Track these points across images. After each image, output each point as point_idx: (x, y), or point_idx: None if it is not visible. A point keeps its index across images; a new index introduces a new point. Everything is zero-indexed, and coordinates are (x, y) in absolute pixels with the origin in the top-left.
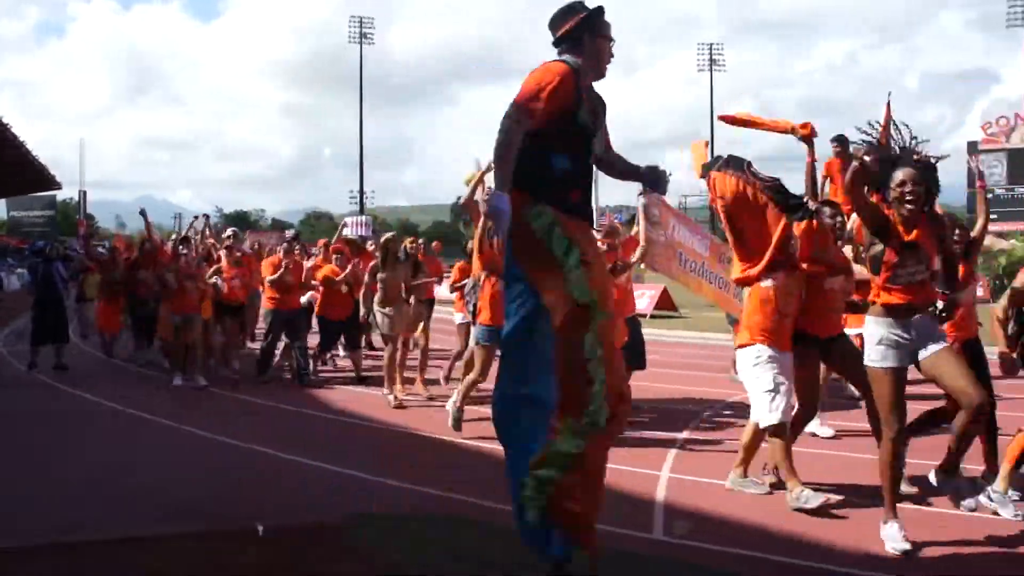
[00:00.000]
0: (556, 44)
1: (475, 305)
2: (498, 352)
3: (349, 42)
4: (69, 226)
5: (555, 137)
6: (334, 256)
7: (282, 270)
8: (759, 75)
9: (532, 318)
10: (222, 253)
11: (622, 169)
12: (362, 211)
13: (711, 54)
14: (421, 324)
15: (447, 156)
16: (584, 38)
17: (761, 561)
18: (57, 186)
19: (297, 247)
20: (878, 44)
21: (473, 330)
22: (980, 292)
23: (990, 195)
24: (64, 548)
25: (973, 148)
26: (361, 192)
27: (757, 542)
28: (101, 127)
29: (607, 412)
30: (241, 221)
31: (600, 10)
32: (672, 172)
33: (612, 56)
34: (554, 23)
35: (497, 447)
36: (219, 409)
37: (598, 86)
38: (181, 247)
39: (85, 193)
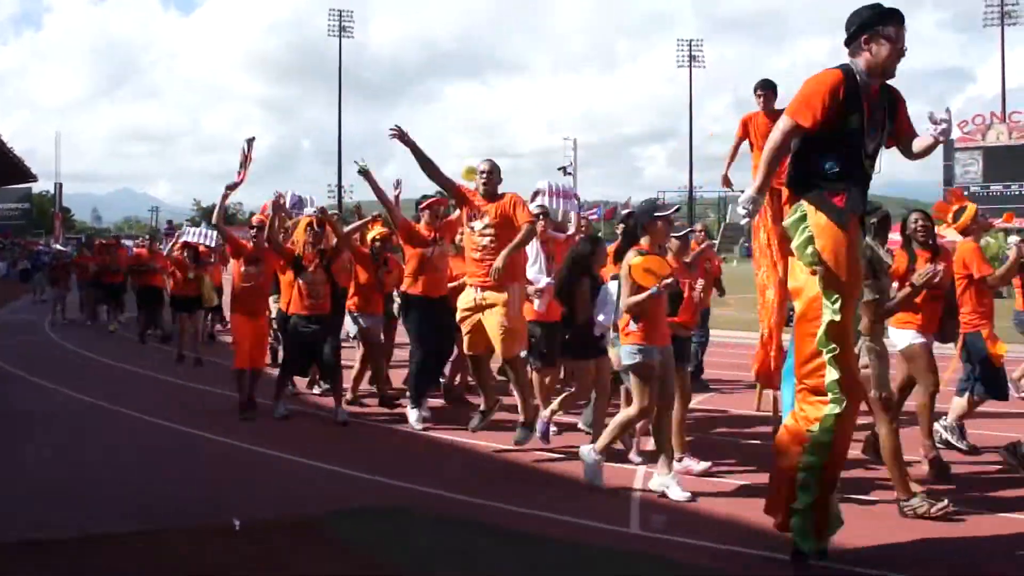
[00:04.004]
0: (846, 46)
1: None
2: None
3: (328, 35)
4: (45, 219)
5: (822, 142)
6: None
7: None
8: (737, 71)
9: None
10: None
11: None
12: (340, 206)
13: (691, 50)
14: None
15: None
16: (861, 40)
17: (737, 555)
18: (32, 178)
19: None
20: None
21: None
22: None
23: (966, 192)
24: (37, 546)
25: (949, 146)
26: (340, 186)
27: (733, 536)
28: (78, 119)
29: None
30: None
31: (875, 11)
32: (648, 167)
33: (901, 54)
34: (846, 27)
35: (475, 443)
36: (204, 407)
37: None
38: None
39: (61, 186)
